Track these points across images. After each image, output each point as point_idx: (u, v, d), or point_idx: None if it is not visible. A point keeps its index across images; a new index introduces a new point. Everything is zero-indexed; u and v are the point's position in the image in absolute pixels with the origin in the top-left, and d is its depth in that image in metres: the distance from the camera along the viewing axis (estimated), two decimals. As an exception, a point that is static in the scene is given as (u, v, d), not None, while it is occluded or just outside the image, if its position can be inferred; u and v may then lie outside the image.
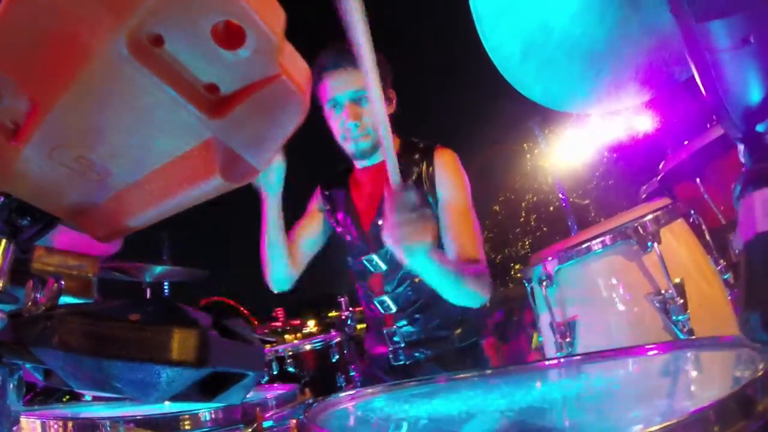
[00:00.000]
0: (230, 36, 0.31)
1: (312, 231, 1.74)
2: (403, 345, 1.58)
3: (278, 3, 0.33)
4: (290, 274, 1.68)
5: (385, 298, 1.59)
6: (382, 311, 1.61)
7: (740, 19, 0.53)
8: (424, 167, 1.57)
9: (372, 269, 1.61)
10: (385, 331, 1.61)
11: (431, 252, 1.14)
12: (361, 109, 1.53)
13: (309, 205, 1.80)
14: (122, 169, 0.40)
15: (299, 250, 1.71)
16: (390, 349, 1.61)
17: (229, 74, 0.34)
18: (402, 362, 1.59)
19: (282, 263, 1.62)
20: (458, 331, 1.58)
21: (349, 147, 1.61)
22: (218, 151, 0.38)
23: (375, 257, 1.58)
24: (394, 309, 1.58)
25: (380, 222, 1.51)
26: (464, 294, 1.36)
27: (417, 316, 1.57)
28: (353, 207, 1.67)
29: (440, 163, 1.58)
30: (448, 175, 1.56)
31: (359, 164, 1.69)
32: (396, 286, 1.57)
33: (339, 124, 1.57)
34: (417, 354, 1.57)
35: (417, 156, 1.60)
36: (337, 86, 1.52)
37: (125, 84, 0.33)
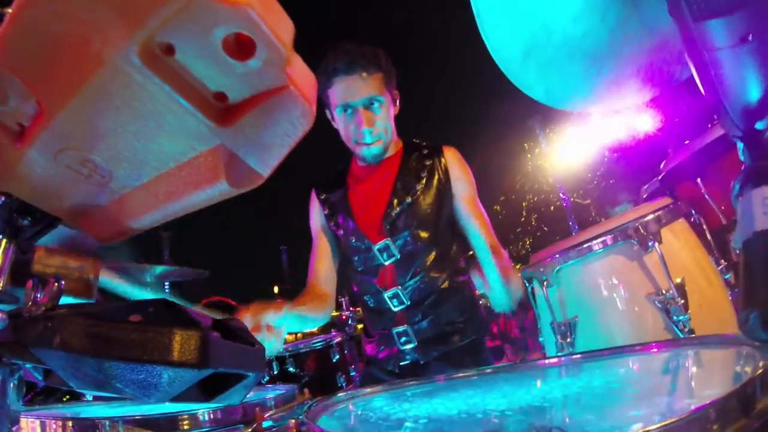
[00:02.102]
0: (241, 47, 0.31)
1: (328, 256, 1.70)
2: (414, 344, 1.55)
3: (287, 15, 0.33)
4: (328, 309, 1.65)
5: (398, 290, 1.55)
6: (392, 307, 1.57)
7: (739, 17, 0.53)
8: (438, 166, 1.64)
9: (386, 258, 1.57)
10: (394, 331, 1.57)
11: None
12: (374, 115, 1.56)
13: (311, 223, 1.76)
14: (127, 172, 0.40)
15: (326, 284, 1.67)
16: (399, 348, 1.57)
17: (238, 84, 0.34)
18: (409, 361, 1.57)
19: (319, 314, 1.61)
20: (467, 327, 1.57)
21: (360, 151, 1.62)
22: (224, 156, 0.38)
23: (390, 243, 1.56)
24: (406, 303, 1.55)
25: (395, 212, 1.54)
26: None
27: (430, 311, 1.55)
28: (356, 204, 1.65)
29: (452, 161, 1.66)
30: (461, 171, 1.65)
31: (363, 162, 1.69)
32: (409, 278, 1.55)
33: (351, 130, 1.58)
34: (431, 351, 1.55)
35: (426, 154, 1.65)
36: (351, 92, 1.53)
37: (134, 90, 0.33)
